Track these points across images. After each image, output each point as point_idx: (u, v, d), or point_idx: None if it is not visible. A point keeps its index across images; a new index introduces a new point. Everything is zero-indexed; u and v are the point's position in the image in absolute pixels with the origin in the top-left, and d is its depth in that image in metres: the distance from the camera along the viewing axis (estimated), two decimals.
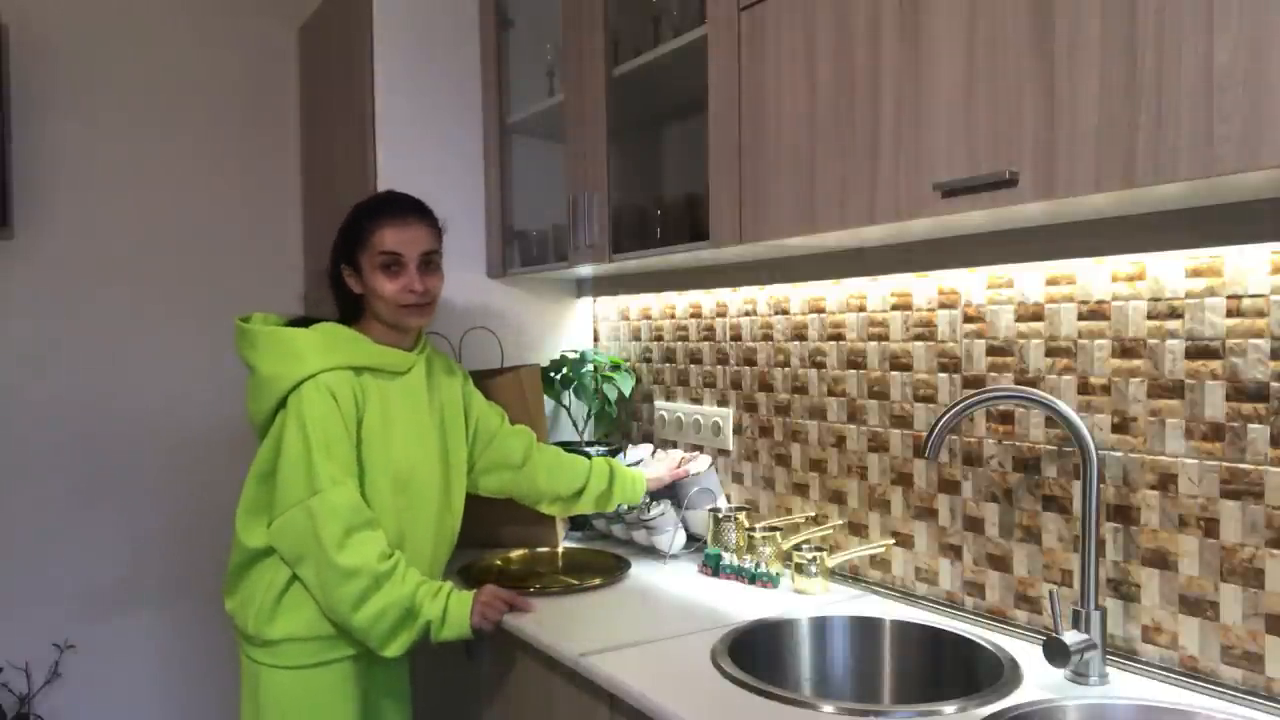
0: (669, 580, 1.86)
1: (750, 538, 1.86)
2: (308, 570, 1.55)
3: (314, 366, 1.59)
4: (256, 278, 2.69)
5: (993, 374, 1.54)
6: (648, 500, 2.00)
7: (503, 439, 1.89)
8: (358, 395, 1.61)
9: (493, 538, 2.11)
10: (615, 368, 2.37)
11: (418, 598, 1.55)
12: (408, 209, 1.69)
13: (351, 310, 1.73)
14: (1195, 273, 1.27)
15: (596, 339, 2.61)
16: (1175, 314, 1.29)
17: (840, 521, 1.82)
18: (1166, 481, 1.31)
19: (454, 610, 1.56)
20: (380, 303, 1.66)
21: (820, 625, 1.60)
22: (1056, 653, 1.28)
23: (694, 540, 2.05)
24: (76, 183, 2.47)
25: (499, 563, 2.04)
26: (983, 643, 1.45)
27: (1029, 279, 1.48)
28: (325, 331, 1.66)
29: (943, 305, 1.62)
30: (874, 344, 1.75)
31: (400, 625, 1.55)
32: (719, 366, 2.14)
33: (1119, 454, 1.36)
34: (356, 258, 1.67)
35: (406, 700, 1.79)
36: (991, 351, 1.54)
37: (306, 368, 1.59)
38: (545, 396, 2.26)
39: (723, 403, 2.13)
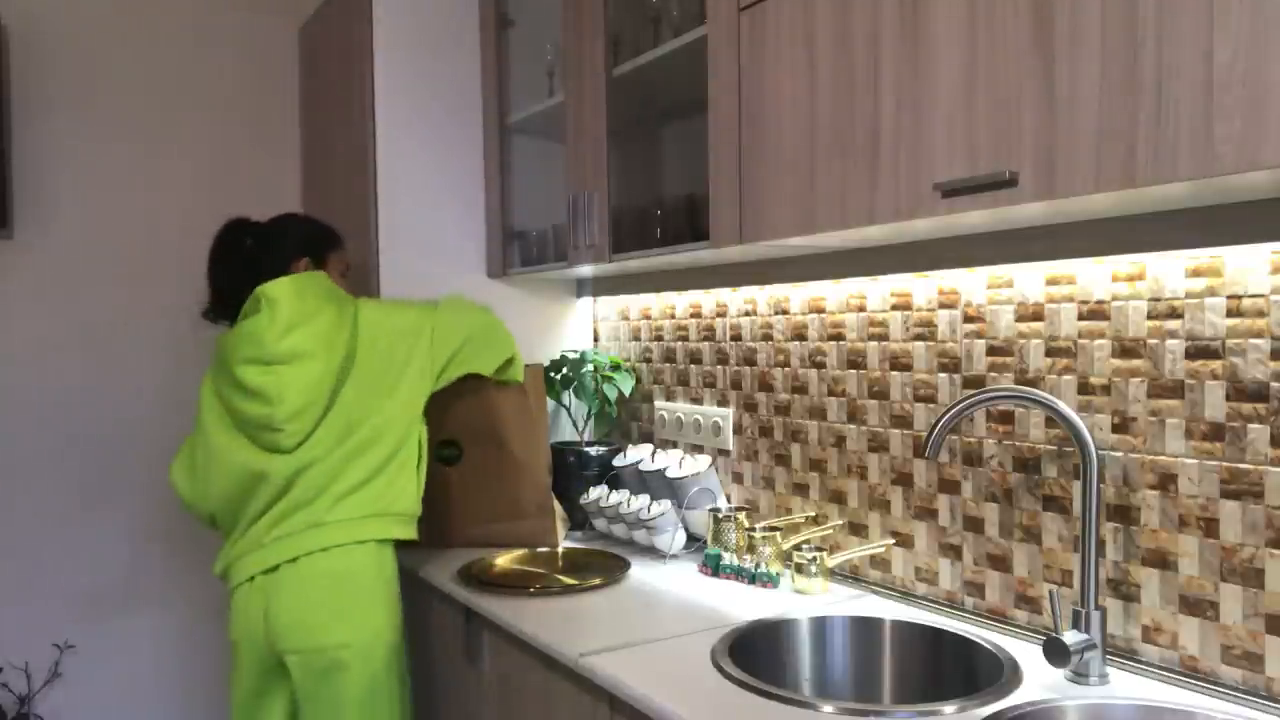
0: (669, 580, 1.86)
1: (750, 538, 1.86)
2: (480, 314, 2.00)
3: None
4: None
5: (993, 374, 1.54)
6: (648, 502, 1.99)
7: None
8: None
9: (493, 538, 2.11)
10: (615, 368, 2.37)
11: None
12: None
13: None
14: (1195, 273, 1.27)
15: (596, 339, 2.61)
16: (1175, 314, 1.29)
17: (840, 521, 1.82)
18: (1166, 481, 1.31)
19: None
20: None
21: (820, 625, 1.60)
22: (1056, 653, 1.28)
23: (694, 540, 2.05)
24: (76, 183, 2.47)
25: (499, 563, 2.04)
26: (983, 643, 1.45)
27: (1029, 279, 1.48)
28: (306, 275, 1.87)
29: (943, 305, 1.62)
30: (874, 344, 1.75)
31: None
32: (719, 366, 2.14)
33: (1119, 454, 1.36)
34: (326, 256, 1.97)
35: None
36: (991, 351, 1.54)
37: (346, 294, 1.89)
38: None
39: (723, 403, 2.13)
